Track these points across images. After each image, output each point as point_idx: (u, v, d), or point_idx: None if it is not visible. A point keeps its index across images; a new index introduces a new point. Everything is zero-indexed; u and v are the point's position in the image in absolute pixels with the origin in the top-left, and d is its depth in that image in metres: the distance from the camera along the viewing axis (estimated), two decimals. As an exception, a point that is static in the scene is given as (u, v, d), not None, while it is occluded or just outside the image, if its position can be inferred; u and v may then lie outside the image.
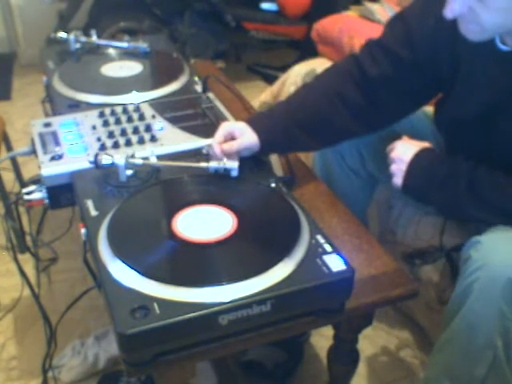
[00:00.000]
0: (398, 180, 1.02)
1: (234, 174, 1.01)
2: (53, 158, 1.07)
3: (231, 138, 1.05)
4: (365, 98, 1.09)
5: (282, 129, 1.08)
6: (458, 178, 0.96)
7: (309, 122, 1.09)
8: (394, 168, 1.03)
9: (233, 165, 1.00)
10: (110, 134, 1.14)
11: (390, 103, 1.11)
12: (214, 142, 1.04)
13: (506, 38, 0.92)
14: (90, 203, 0.94)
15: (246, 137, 1.05)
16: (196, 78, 1.42)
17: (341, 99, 1.09)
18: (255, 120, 1.09)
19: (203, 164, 1.01)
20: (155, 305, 0.74)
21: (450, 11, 0.85)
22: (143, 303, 0.74)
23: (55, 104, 1.33)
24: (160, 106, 1.27)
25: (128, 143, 1.12)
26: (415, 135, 1.16)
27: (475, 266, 0.87)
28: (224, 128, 1.06)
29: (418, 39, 1.05)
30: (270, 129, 1.07)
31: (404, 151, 1.02)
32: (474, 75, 1.00)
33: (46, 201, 1.05)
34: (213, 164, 1.00)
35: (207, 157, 1.07)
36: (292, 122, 1.08)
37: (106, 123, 1.18)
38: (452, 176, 0.97)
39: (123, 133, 1.14)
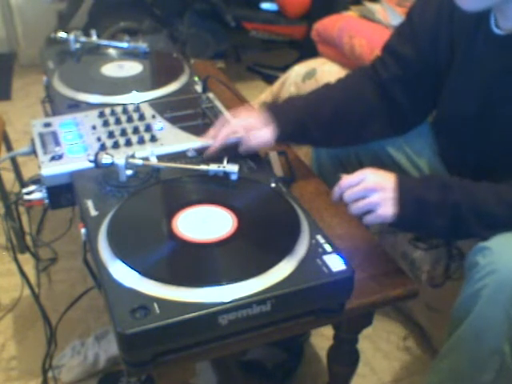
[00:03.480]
0: (386, 210, 0.90)
1: (234, 177, 1.00)
2: (53, 158, 1.07)
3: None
4: (384, 102, 1.13)
5: (300, 125, 1.09)
6: (455, 194, 0.89)
7: (329, 120, 1.11)
8: (376, 198, 0.90)
9: (233, 168, 1.00)
10: (110, 134, 1.14)
11: (407, 105, 1.12)
12: (216, 145, 1.06)
13: (499, 21, 0.94)
14: (89, 203, 0.94)
15: (262, 138, 1.07)
16: (196, 78, 1.42)
17: (359, 100, 1.13)
18: (279, 115, 1.09)
19: (203, 167, 1.01)
20: (155, 305, 0.74)
21: None
22: (143, 303, 0.74)
23: (55, 104, 1.33)
24: (160, 106, 1.27)
25: (128, 143, 1.12)
26: (408, 136, 1.20)
27: (483, 272, 0.86)
28: (236, 134, 1.06)
29: (419, 30, 1.08)
30: (289, 125, 1.09)
31: (382, 179, 0.93)
32: (469, 64, 1.01)
33: (46, 201, 1.05)
34: (213, 167, 1.00)
35: (193, 159, 1.07)
36: (312, 118, 1.10)
37: (105, 123, 1.18)
38: (446, 193, 0.90)
39: (123, 133, 1.14)
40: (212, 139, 1.08)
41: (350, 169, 1.29)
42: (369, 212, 0.91)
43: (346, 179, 0.93)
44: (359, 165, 1.28)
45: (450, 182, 0.91)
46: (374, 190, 0.91)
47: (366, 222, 0.93)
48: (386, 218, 0.91)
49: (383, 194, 0.90)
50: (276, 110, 1.09)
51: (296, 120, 1.09)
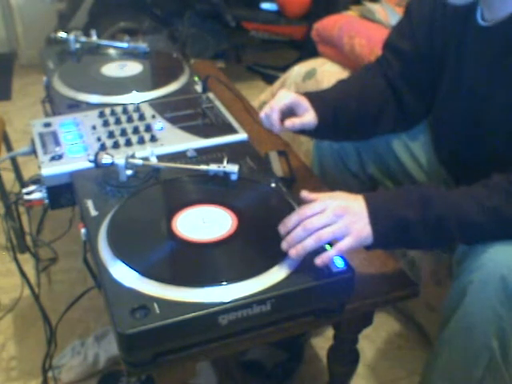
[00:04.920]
0: (362, 232, 0.81)
1: (234, 177, 1.00)
2: (53, 158, 1.07)
3: (287, 109, 1.05)
4: (391, 98, 1.14)
5: (333, 116, 1.09)
6: (436, 207, 0.84)
7: (355, 113, 1.11)
8: (345, 223, 0.80)
9: (233, 168, 1.00)
10: (110, 134, 1.14)
11: (411, 100, 1.13)
12: (275, 108, 1.03)
13: (485, 13, 0.95)
14: (90, 203, 0.94)
15: (308, 117, 1.05)
16: (196, 78, 1.42)
17: (374, 96, 1.14)
18: (317, 100, 1.08)
19: (203, 167, 1.01)
20: (155, 305, 0.74)
21: None
22: (143, 303, 0.74)
23: (55, 104, 1.33)
24: (160, 106, 1.27)
25: (128, 143, 1.12)
26: (410, 132, 1.21)
27: (469, 268, 0.86)
28: (289, 98, 1.04)
29: (416, 25, 1.09)
30: (327, 112, 1.08)
31: (347, 202, 0.83)
32: (460, 59, 1.02)
33: (46, 201, 1.05)
34: (213, 167, 1.00)
35: (193, 159, 1.07)
36: (340, 111, 1.10)
37: (106, 123, 1.18)
38: (427, 207, 0.83)
39: (123, 133, 1.14)
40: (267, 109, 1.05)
41: (352, 166, 1.29)
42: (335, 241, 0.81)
43: (305, 209, 0.82)
44: (360, 162, 1.28)
45: (428, 193, 0.85)
46: (340, 215, 0.81)
47: (338, 249, 0.80)
48: (363, 239, 0.82)
49: (353, 217, 0.81)
50: (313, 98, 1.08)
51: (329, 111, 1.09)
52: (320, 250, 0.82)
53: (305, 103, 1.06)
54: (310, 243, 0.79)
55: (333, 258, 0.81)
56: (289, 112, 1.05)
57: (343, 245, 0.80)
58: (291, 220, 0.82)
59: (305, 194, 0.86)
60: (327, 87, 1.17)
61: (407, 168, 1.24)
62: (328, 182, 1.28)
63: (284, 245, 0.81)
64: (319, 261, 0.79)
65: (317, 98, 1.09)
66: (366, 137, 1.21)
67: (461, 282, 0.87)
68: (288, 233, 0.82)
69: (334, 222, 0.80)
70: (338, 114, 1.10)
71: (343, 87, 1.16)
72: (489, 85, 0.97)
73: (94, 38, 1.60)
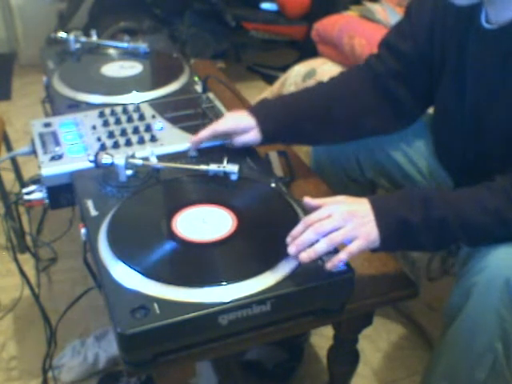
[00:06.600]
0: (371, 234, 0.82)
1: (234, 177, 1.00)
2: (53, 158, 1.07)
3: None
4: (380, 97, 1.12)
5: (289, 123, 1.10)
6: (438, 208, 0.84)
7: (322, 117, 1.11)
8: (353, 226, 0.80)
9: (233, 168, 1.00)
10: (110, 134, 1.14)
11: (405, 98, 1.12)
12: (206, 135, 1.08)
13: (490, 15, 0.94)
14: (90, 203, 0.94)
15: (248, 136, 1.09)
16: (196, 78, 1.42)
17: (353, 96, 1.13)
18: (261, 118, 1.10)
19: (203, 167, 1.01)
20: (155, 305, 0.74)
21: None
22: (143, 303, 0.74)
23: (55, 104, 1.33)
24: (160, 106, 1.27)
25: (128, 143, 1.12)
26: (406, 136, 1.20)
27: (473, 270, 0.86)
28: (227, 126, 1.09)
29: (417, 25, 1.08)
30: (276, 122, 1.10)
31: (353, 206, 0.83)
32: (462, 62, 1.01)
33: (46, 201, 1.05)
34: (213, 167, 1.00)
35: (193, 159, 1.08)
36: (302, 116, 1.10)
37: (106, 123, 1.18)
38: (429, 208, 0.84)
39: (123, 133, 1.15)
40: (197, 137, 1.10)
41: (350, 171, 1.28)
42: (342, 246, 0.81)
43: (311, 217, 0.82)
44: (358, 166, 1.27)
45: (430, 195, 0.85)
46: (347, 220, 0.81)
47: (349, 252, 0.80)
48: (371, 241, 0.82)
49: (361, 220, 0.81)
50: (260, 113, 1.10)
51: (282, 120, 1.10)
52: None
53: (245, 124, 1.08)
54: (322, 246, 0.79)
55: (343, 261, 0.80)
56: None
57: (353, 248, 0.80)
58: (298, 230, 0.82)
59: (308, 199, 0.86)
60: (298, 90, 1.18)
61: (407, 172, 1.24)
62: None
63: (292, 249, 0.80)
64: (330, 264, 0.79)
65: (263, 115, 1.09)
66: (344, 139, 1.20)
67: (465, 284, 0.87)
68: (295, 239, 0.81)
69: (342, 226, 0.80)
70: (299, 121, 1.10)
71: (315, 90, 1.16)
72: (492, 88, 0.96)
73: (94, 38, 1.60)
